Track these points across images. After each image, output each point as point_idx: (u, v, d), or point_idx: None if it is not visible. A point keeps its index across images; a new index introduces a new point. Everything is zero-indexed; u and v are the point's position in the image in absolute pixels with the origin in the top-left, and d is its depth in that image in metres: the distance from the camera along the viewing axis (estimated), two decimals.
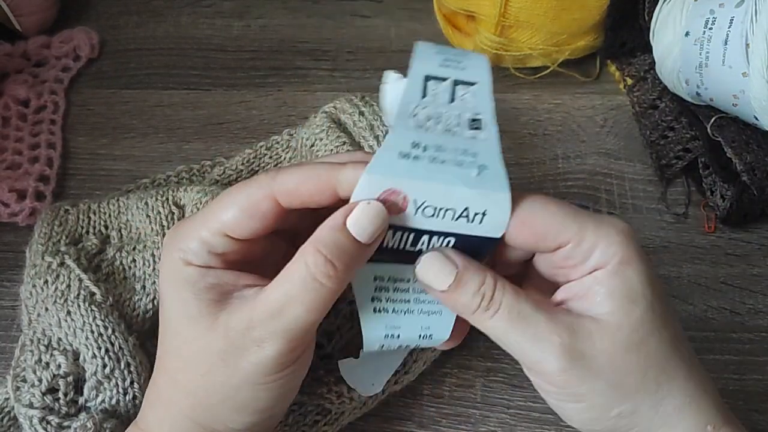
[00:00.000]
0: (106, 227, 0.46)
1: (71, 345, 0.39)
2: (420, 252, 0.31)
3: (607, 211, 0.52)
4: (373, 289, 0.32)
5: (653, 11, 0.53)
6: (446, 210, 0.30)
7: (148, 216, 0.45)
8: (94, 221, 0.46)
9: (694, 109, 0.53)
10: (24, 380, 0.39)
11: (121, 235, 0.46)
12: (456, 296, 0.31)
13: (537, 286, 0.34)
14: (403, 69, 0.59)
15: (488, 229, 0.30)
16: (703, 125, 0.52)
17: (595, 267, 0.31)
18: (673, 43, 0.51)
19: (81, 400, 0.38)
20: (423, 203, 0.29)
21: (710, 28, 0.48)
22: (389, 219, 0.29)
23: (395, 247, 0.31)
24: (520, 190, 0.31)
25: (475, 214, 0.30)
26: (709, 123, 0.52)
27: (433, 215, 0.30)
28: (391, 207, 0.29)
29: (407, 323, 0.33)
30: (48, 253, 0.42)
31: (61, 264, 0.41)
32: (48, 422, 0.38)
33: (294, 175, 0.30)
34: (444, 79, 0.29)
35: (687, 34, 0.49)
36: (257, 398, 0.31)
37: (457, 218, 0.30)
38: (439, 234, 0.30)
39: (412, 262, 0.31)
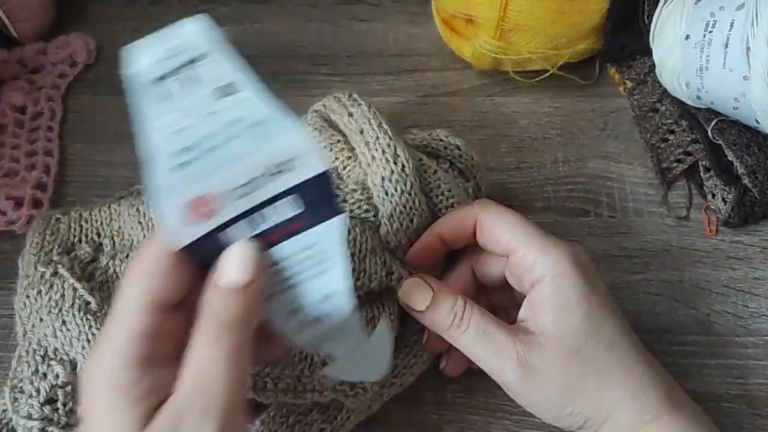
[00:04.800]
0: (99, 235, 0.46)
1: (68, 355, 0.39)
2: (277, 225, 0.30)
3: (608, 214, 0.52)
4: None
5: (653, 14, 0.53)
6: (257, 178, 0.29)
7: (140, 223, 0.45)
8: (87, 229, 0.46)
9: (695, 113, 0.53)
10: (21, 391, 0.39)
11: (114, 242, 0.45)
12: (432, 315, 0.37)
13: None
14: (399, 72, 0.60)
15: (309, 167, 0.29)
16: (704, 128, 0.52)
17: (536, 279, 0.36)
18: (673, 46, 0.50)
19: (80, 410, 0.38)
20: (233, 187, 0.29)
21: (710, 32, 0.48)
22: (216, 220, 0.29)
23: (252, 233, 0.30)
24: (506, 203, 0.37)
25: (287, 162, 0.29)
26: (709, 126, 0.51)
27: (250, 191, 0.29)
28: (206, 212, 0.29)
29: (301, 295, 0.32)
30: (40, 262, 0.42)
31: (54, 273, 0.41)
32: None
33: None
34: (172, 73, 0.28)
35: (687, 37, 0.49)
36: None
37: (275, 175, 0.29)
38: (277, 197, 0.29)
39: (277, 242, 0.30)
